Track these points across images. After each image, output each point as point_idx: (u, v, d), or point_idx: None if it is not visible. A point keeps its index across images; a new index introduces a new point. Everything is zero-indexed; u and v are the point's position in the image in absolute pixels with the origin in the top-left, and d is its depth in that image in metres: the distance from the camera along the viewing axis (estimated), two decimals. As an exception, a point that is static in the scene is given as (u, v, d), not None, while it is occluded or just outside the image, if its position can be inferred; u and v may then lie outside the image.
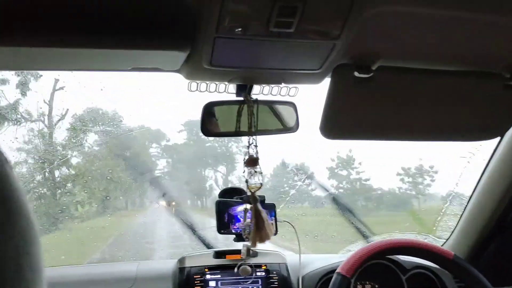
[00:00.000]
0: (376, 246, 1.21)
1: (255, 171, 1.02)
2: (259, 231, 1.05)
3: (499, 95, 1.00)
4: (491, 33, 0.84)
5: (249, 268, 1.23)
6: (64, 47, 0.77)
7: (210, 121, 1.05)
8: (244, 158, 1.03)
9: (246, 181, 1.02)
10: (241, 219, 1.33)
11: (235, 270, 1.25)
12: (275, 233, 1.38)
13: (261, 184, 1.03)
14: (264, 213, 1.06)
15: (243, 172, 1.03)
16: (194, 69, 0.90)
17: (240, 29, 0.74)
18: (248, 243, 1.15)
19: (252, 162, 1.02)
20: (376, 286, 1.56)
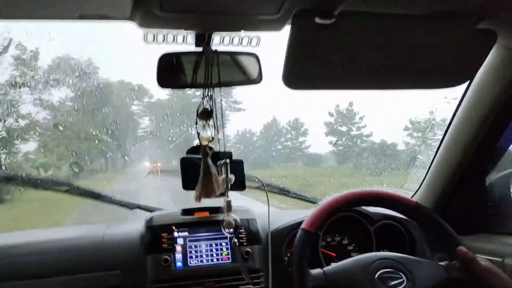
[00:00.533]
0: (338, 199, 1.21)
1: (208, 124, 0.99)
2: (205, 186, 1.03)
3: (465, 38, 0.98)
4: None
5: (232, 222, 1.22)
6: None
7: (166, 72, 1.01)
8: (197, 110, 0.99)
9: (198, 134, 0.99)
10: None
11: (221, 226, 1.23)
12: (243, 189, 1.37)
13: (213, 138, 1.00)
14: (213, 168, 1.04)
15: (195, 124, 0.99)
16: (145, 15, 0.84)
17: None
18: (229, 198, 1.14)
19: (205, 114, 0.98)
20: (346, 238, 1.58)
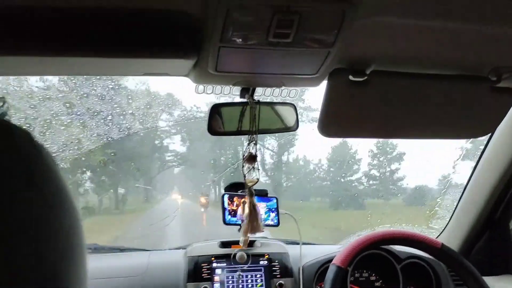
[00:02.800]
0: (368, 238, 1.29)
1: (253, 167, 1.10)
2: (251, 223, 1.14)
3: (486, 96, 1.07)
4: (477, 40, 0.91)
5: (245, 255, 1.34)
6: (83, 56, 0.85)
7: (215, 121, 1.13)
8: (244, 155, 1.11)
9: (244, 176, 1.11)
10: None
11: (231, 257, 1.37)
12: (277, 225, 1.47)
13: (258, 179, 1.11)
14: (257, 208, 1.15)
15: (242, 167, 1.11)
16: (201, 74, 0.97)
17: (242, 39, 0.82)
18: (250, 235, 1.25)
19: (251, 159, 1.10)
20: (373, 274, 1.65)
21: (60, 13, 0.77)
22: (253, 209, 1.13)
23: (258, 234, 1.18)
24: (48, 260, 0.32)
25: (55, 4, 0.74)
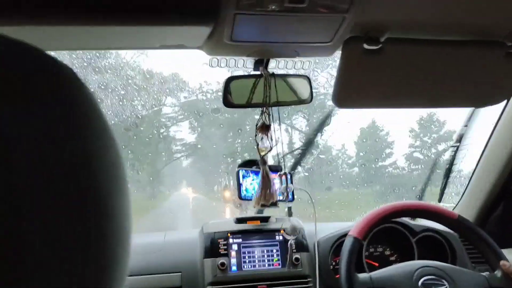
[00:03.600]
0: (385, 209, 1.29)
1: (266, 136, 1.11)
2: (264, 191, 1.14)
3: (502, 62, 1.07)
4: (493, 3, 0.91)
5: (294, 227, 1.36)
6: (95, 25, 0.85)
7: (230, 94, 1.14)
8: (257, 124, 1.12)
9: (257, 144, 1.11)
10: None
11: (283, 233, 1.39)
12: (292, 200, 1.47)
13: (271, 147, 1.12)
14: (270, 176, 1.15)
15: (255, 136, 1.11)
16: (216, 44, 0.98)
17: (258, 5, 0.82)
18: (287, 204, 1.27)
19: (264, 128, 1.10)
20: (388, 249, 1.66)
21: None
22: (266, 177, 1.13)
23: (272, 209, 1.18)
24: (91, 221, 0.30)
25: None
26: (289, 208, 1.32)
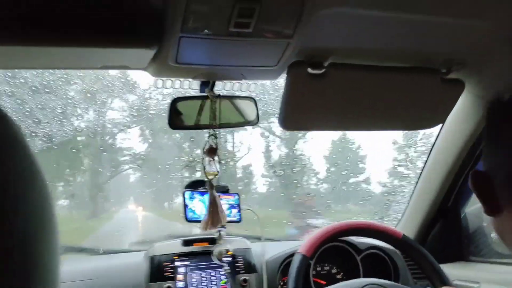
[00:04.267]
0: (332, 228, 1.32)
1: (213, 160, 1.10)
2: (212, 215, 1.13)
3: (438, 87, 1.12)
4: (429, 32, 0.95)
5: (223, 250, 1.34)
6: (34, 45, 0.81)
7: (176, 115, 1.13)
8: (203, 148, 1.11)
9: (204, 168, 1.10)
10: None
11: (212, 255, 1.37)
12: (239, 221, 1.47)
13: (218, 171, 1.11)
14: (218, 200, 1.14)
15: (202, 159, 1.11)
16: (160, 66, 0.97)
17: (203, 29, 0.82)
18: (222, 229, 1.26)
19: (211, 151, 1.10)
20: (334, 267, 1.68)
21: None
22: (214, 201, 1.13)
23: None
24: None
25: None
26: (219, 232, 1.33)
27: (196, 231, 1.79)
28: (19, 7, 0.75)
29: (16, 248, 0.28)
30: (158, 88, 1.11)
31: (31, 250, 0.30)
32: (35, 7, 0.76)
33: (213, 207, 1.13)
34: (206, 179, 1.15)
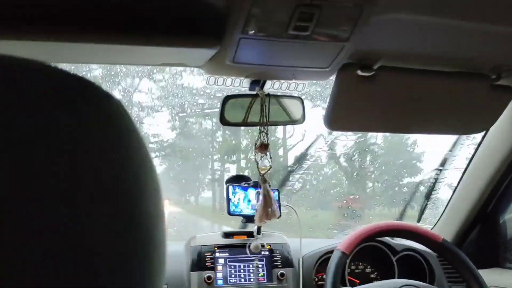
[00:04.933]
0: (373, 227, 1.34)
1: (265, 155, 1.14)
2: (266, 209, 1.17)
3: (486, 93, 1.13)
4: (480, 39, 0.96)
5: (259, 245, 1.38)
6: (100, 42, 0.87)
7: (227, 111, 1.17)
8: (255, 144, 1.15)
9: (257, 164, 1.14)
10: (251, 201, 1.48)
11: (247, 248, 1.41)
12: (279, 216, 1.51)
13: (270, 166, 1.15)
14: (272, 193, 1.18)
15: (254, 155, 1.15)
16: (217, 65, 1.00)
17: (263, 31, 0.85)
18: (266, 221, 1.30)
19: (263, 147, 1.14)
20: (369, 266, 1.70)
21: None
22: (267, 195, 1.16)
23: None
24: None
25: None
26: (259, 228, 1.37)
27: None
28: (87, 6, 0.80)
29: (136, 237, 0.31)
30: (210, 85, 1.15)
31: (152, 249, 0.33)
32: (103, 6, 0.81)
33: (267, 201, 1.16)
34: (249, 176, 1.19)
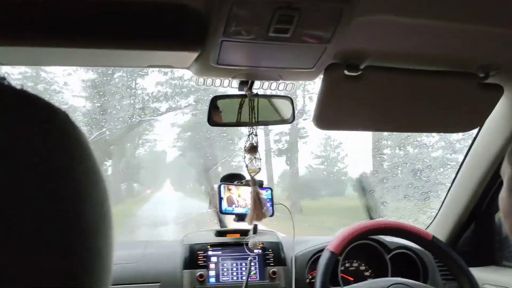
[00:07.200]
0: (362, 226, 1.34)
1: (255, 157, 1.14)
2: (256, 211, 1.18)
3: (475, 92, 1.13)
4: (467, 38, 0.96)
5: (258, 242, 1.41)
6: (89, 47, 0.88)
7: (215, 112, 1.17)
8: (245, 146, 1.15)
9: (246, 166, 1.15)
10: (241, 202, 1.49)
11: (245, 245, 1.43)
12: (272, 215, 1.51)
13: (259, 168, 1.16)
14: (262, 195, 1.19)
15: (244, 158, 1.15)
16: (202, 67, 1.01)
17: (244, 34, 0.86)
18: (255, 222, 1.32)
19: (252, 149, 1.14)
20: (363, 264, 1.70)
21: (66, 4, 0.80)
22: (257, 198, 1.17)
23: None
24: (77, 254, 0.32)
25: None
26: (255, 225, 1.38)
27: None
28: (73, 12, 0.82)
29: (80, 243, 0.32)
30: (199, 85, 1.16)
31: (94, 244, 0.34)
32: (88, 11, 0.83)
33: (257, 203, 1.17)
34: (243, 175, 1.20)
